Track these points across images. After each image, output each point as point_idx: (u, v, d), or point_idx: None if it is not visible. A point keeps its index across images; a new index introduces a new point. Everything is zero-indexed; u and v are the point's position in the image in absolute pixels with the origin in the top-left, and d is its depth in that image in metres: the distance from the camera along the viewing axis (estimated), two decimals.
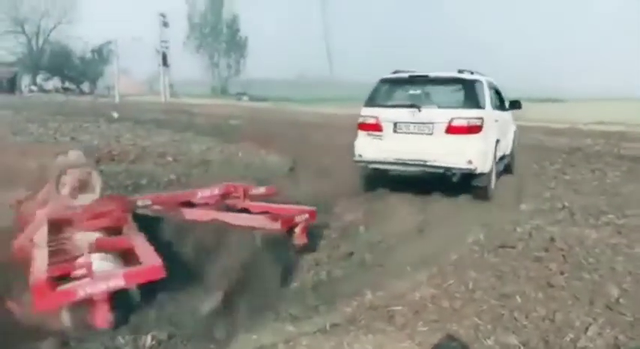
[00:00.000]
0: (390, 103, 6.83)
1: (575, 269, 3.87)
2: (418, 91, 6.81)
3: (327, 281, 3.80)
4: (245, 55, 56.33)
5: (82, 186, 4.11)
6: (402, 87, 7.02)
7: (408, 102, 6.57)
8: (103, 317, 2.76)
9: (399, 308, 3.24)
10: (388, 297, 3.44)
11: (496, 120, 6.83)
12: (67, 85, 62.35)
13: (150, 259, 3.00)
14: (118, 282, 2.78)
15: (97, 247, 3.17)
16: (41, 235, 3.45)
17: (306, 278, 3.84)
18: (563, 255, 4.20)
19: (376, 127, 6.65)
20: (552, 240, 4.60)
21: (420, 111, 6.34)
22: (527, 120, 19.73)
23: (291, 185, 7.14)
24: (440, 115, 6.30)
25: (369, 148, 6.66)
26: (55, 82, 62.77)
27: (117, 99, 43.34)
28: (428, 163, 6.26)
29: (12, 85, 54.37)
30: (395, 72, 7.17)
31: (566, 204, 6.12)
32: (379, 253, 4.40)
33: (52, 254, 3.12)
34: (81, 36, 61.92)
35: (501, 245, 4.48)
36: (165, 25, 43.25)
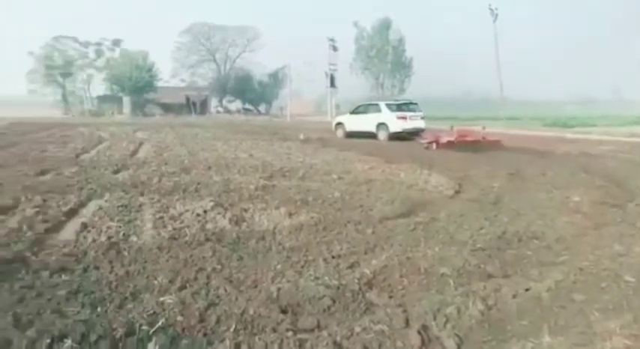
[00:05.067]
0: (407, 109, 20.54)
1: None
2: (411, 106, 21.01)
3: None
4: (410, 75, 56.15)
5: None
6: (405, 105, 20.91)
7: (412, 109, 20.75)
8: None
9: None
10: (570, 344, 3.03)
11: None
12: (247, 106, 69.18)
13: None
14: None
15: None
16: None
17: None
18: None
19: (404, 117, 19.82)
20: None
21: (415, 112, 20.62)
22: None
23: (453, 207, 6.84)
24: (419, 113, 20.76)
25: (401, 125, 19.75)
26: (237, 104, 70.12)
27: (288, 119, 46.75)
28: (419, 128, 19.84)
29: (204, 107, 62.24)
30: (396, 100, 23.10)
31: None
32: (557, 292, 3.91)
33: None
34: (261, 62, 68.38)
35: None
36: (335, 48, 45.56)
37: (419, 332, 3.17)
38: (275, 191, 7.94)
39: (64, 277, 4.07)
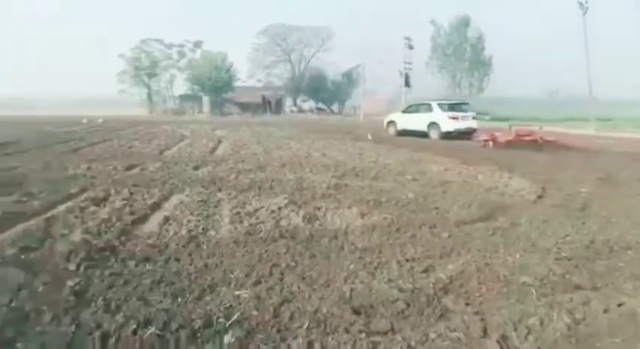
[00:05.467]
0: (459, 109, 21.18)
1: None
2: (463, 106, 21.82)
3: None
4: (489, 73, 53.98)
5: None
6: (457, 105, 21.65)
7: (464, 109, 21.42)
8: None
9: None
10: None
11: None
12: (320, 105, 69.80)
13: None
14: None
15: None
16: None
17: None
18: None
19: (455, 117, 20.38)
20: None
21: (467, 112, 21.19)
22: None
23: (537, 213, 6.47)
24: (471, 113, 21.38)
25: (453, 124, 20.37)
26: (310, 103, 70.95)
27: (361, 118, 46.63)
28: (471, 128, 20.71)
29: (278, 106, 63.58)
30: (447, 99, 24.15)
31: None
32: None
33: None
34: (334, 61, 68.68)
35: None
36: (410, 47, 44.76)
37: (498, 343, 3.02)
38: (347, 190, 7.92)
39: (148, 267, 4.30)
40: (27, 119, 34.10)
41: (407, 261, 4.55)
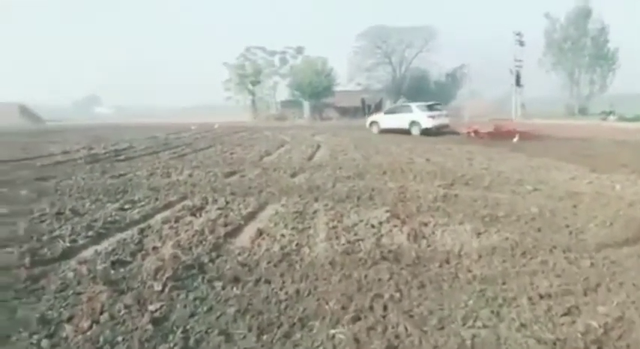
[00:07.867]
0: (434, 109, 24.29)
1: None
2: (437, 106, 25.12)
3: None
4: (614, 69, 48.17)
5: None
6: (434, 106, 24.70)
7: (438, 109, 24.81)
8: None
9: None
10: None
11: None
12: None
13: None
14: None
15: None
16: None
17: None
18: None
19: (432, 116, 23.48)
20: None
21: (441, 111, 24.82)
22: None
23: None
24: (444, 112, 25.49)
25: (431, 122, 23.26)
26: None
27: (466, 120, 44.29)
28: (444, 124, 24.44)
29: (378, 109, 62.74)
30: (425, 102, 25.37)
31: None
32: None
33: None
34: (437, 62, 66.20)
35: None
36: (521, 43, 41.60)
37: None
38: (457, 202, 7.03)
39: (235, 290, 3.88)
40: (141, 126, 36.71)
41: (541, 297, 3.66)
